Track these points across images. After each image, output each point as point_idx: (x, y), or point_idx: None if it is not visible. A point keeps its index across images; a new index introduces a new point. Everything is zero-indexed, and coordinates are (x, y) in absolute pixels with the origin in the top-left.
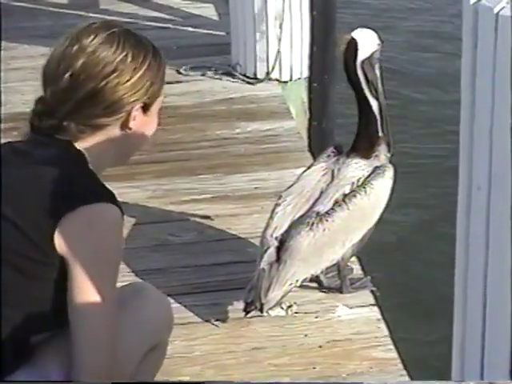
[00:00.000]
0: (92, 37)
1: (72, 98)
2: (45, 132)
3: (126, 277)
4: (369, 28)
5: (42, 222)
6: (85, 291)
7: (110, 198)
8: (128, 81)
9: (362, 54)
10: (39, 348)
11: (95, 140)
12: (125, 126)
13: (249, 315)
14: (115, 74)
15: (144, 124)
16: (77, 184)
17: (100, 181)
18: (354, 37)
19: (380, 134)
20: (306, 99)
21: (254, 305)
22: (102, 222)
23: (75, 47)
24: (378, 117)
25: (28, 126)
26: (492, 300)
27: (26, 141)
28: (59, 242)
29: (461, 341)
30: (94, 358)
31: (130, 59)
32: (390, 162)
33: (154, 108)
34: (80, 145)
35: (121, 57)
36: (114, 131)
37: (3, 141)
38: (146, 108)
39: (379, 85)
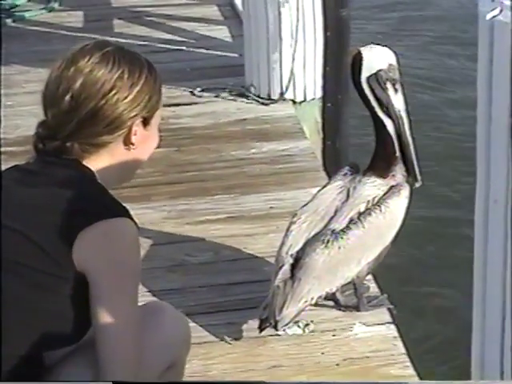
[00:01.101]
0: (87, 57)
1: (73, 119)
2: (50, 154)
3: (143, 297)
4: (386, 47)
5: (59, 237)
6: (107, 305)
7: (125, 213)
8: (127, 97)
9: (366, 70)
10: (56, 364)
11: (100, 158)
12: (127, 141)
13: (265, 333)
14: (114, 91)
15: (145, 138)
16: (92, 200)
17: (113, 196)
18: (361, 51)
19: (397, 153)
20: (319, 119)
21: (268, 322)
22: (120, 236)
23: (72, 69)
24: (394, 137)
25: (33, 150)
26: (511, 310)
27: (34, 162)
28: (77, 257)
29: (480, 346)
30: (119, 372)
31: (126, 75)
32: (407, 182)
33: (154, 121)
34: (85, 163)
35: (118, 74)
36: (117, 148)
37: (16, 163)
38: (146, 122)
39: (394, 105)
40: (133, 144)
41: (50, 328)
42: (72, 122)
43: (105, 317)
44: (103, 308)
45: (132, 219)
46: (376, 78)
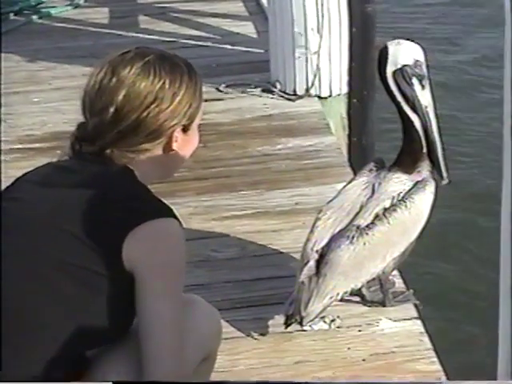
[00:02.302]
0: (128, 68)
1: (114, 130)
2: (87, 156)
3: None
4: (414, 42)
5: (109, 236)
6: (155, 303)
7: (172, 212)
8: (168, 107)
9: (392, 64)
10: (97, 361)
11: (139, 161)
12: (167, 148)
13: (291, 328)
14: (156, 103)
15: (186, 143)
16: (140, 199)
17: (157, 196)
18: (387, 45)
19: (424, 149)
20: (345, 115)
21: (294, 317)
22: (170, 235)
23: (114, 79)
24: (421, 133)
25: (70, 148)
26: None
27: (71, 160)
28: (126, 255)
29: (506, 343)
30: (166, 368)
31: (167, 86)
32: (434, 178)
33: (194, 125)
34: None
35: (159, 85)
36: (157, 153)
37: (45, 160)
38: (186, 128)
39: (420, 102)
40: (173, 150)
41: (95, 326)
42: (113, 132)
43: (152, 315)
44: (151, 306)
45: (178, 219)
46: (401, 73)
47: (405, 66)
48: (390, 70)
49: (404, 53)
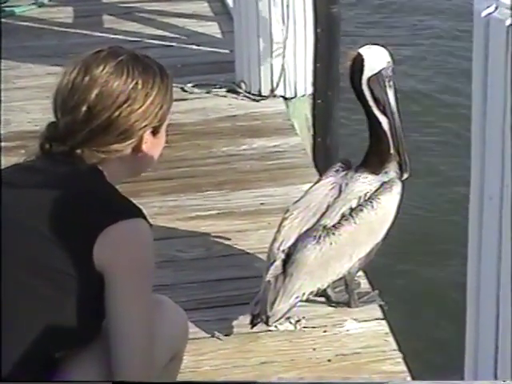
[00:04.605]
0: (101, 67)
1: (85, 129)
2: (56, 156)
3: None
4: (379, 45)
5: (80, 236)
6: (127, 303)
7: (142, 212)
8: (140, 108)
9: (369, 71)
10: (68, 361)
11: (108, 162)
12: (137, 149)
13: (256, 329)
14: (128, 103)
15: (155, 145)
16: (111, 199)
17: (126, 197)
18: (361, 53)
19: (391, 150)
20: (309, 115)
21: (259, 317)
22: (141, 236)
23: (86, 78)
24: (389, 134)
25: (38, 148)
26: (505, 307)
27: (39, 160)
28: (98, 256)
29: (474, 343)
30: (136, 367)
31: (140, 86)
32: (400, 179)
33: (163, 128)
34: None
35: (132, 85)
36: (126, 154)
37: (8, 159)
38: (155, 131)
39: (391, 103)
40: (142, 151)
41: (66, 328)
42: (84, 131)
43: (123, 315)
44: (121, 306)
45: (147, 219)
46: (377, 77)
47: (381, 70)
48: (366, 76)
49: (379, 57)
